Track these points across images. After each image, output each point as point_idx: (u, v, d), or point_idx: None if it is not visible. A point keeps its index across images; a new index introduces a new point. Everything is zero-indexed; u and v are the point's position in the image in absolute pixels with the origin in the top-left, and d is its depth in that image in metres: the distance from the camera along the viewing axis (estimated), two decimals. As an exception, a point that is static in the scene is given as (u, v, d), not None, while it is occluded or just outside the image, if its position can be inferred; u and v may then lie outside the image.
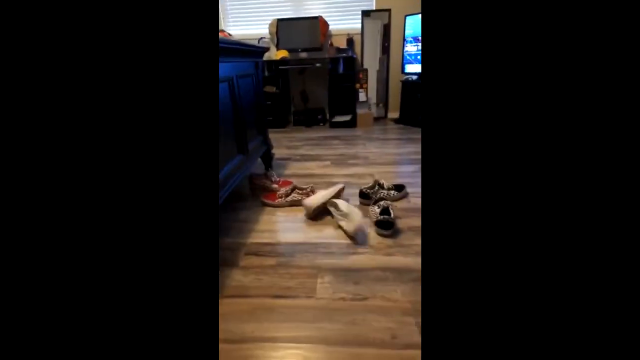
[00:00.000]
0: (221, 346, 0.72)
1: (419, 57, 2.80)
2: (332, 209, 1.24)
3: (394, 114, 3.25)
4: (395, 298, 0.84)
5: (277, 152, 2.20)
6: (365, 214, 1.26)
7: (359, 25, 3.01)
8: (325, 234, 1.17)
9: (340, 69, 2.95)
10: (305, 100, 3.28)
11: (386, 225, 1.13)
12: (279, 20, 2.96)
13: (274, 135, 2.57)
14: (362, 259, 1.01)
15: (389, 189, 1.42)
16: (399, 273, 0.93)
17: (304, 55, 3.07)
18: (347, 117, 2.97)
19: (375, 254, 1.03)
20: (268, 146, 1.77)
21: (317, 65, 2.99)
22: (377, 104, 3.24)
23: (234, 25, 3.21)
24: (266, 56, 3.00)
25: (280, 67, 2.96)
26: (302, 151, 2.25)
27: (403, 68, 2.99)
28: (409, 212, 1.30)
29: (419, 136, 2.51)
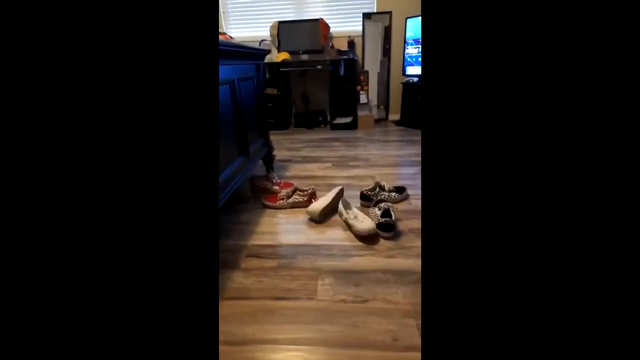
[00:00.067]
0: (222, 348, 0.72)
1: (419, 59, 2.80)
2: (342, 209, 1.24)
3: (394, 116, 3.25)
4: (396, 300, 0.84)
5: (278, 154, 2.20)
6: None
7: (360, 28, 3.02)
8: (327, 235, 1.17)
9: (341, 71, 2.96)
10: (306, 102, 3.29)
11: (387, 228, 1.13)
12: (280, 23, 2.97)
13: (275, 137, 2.58)
14: (363, 261, 1.01)
15: (389, 191, 1.42)
16: (400, 275, 0.93)
17: (305, 57, 3.08)
18: (348, 119, 2.97)
19: (376, 256, 1.03)
20: (269, 148, 1.77)
21: (318, 67, 3.00)
22: (378, 106, 3.25)
23: (235, 28, 3.22)
24: (267, 58, 3.01)
25: (281, 69, 2.97)
26: (303, 153, 2.25)
27: (404, 70, 3.00)
28: (410, 214, 1.30)
29: (420, 138, 2.51)
